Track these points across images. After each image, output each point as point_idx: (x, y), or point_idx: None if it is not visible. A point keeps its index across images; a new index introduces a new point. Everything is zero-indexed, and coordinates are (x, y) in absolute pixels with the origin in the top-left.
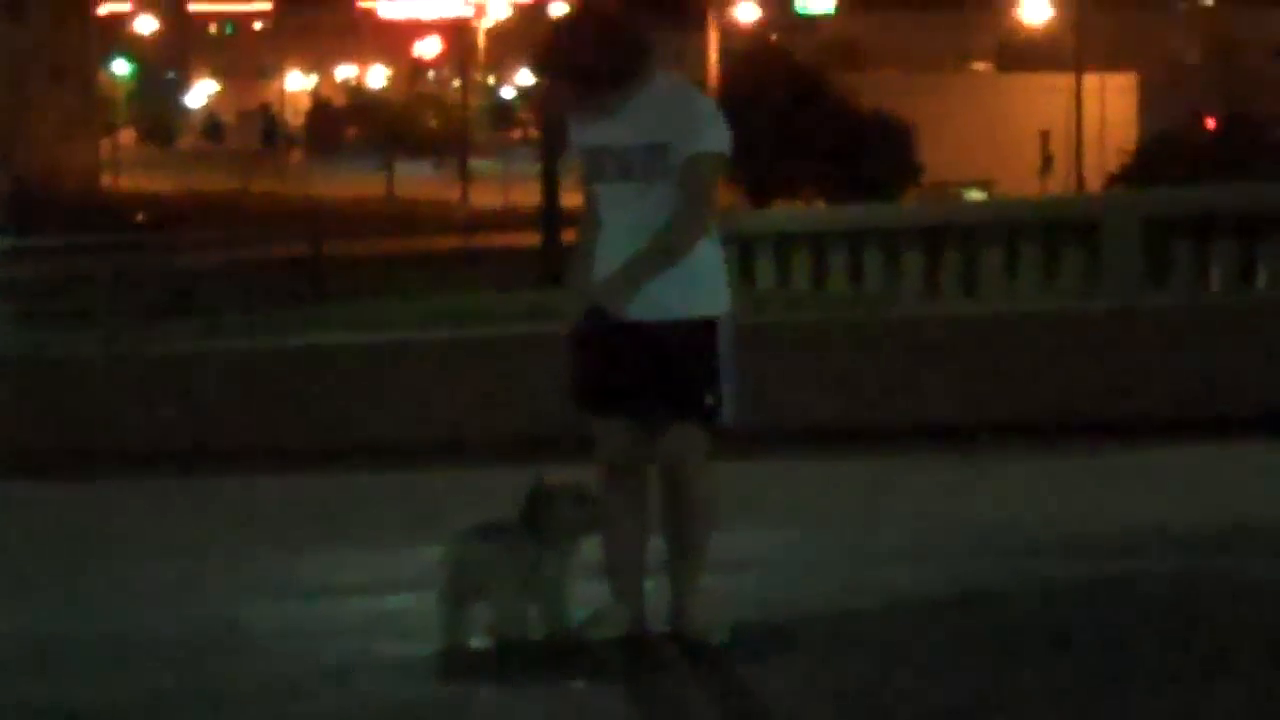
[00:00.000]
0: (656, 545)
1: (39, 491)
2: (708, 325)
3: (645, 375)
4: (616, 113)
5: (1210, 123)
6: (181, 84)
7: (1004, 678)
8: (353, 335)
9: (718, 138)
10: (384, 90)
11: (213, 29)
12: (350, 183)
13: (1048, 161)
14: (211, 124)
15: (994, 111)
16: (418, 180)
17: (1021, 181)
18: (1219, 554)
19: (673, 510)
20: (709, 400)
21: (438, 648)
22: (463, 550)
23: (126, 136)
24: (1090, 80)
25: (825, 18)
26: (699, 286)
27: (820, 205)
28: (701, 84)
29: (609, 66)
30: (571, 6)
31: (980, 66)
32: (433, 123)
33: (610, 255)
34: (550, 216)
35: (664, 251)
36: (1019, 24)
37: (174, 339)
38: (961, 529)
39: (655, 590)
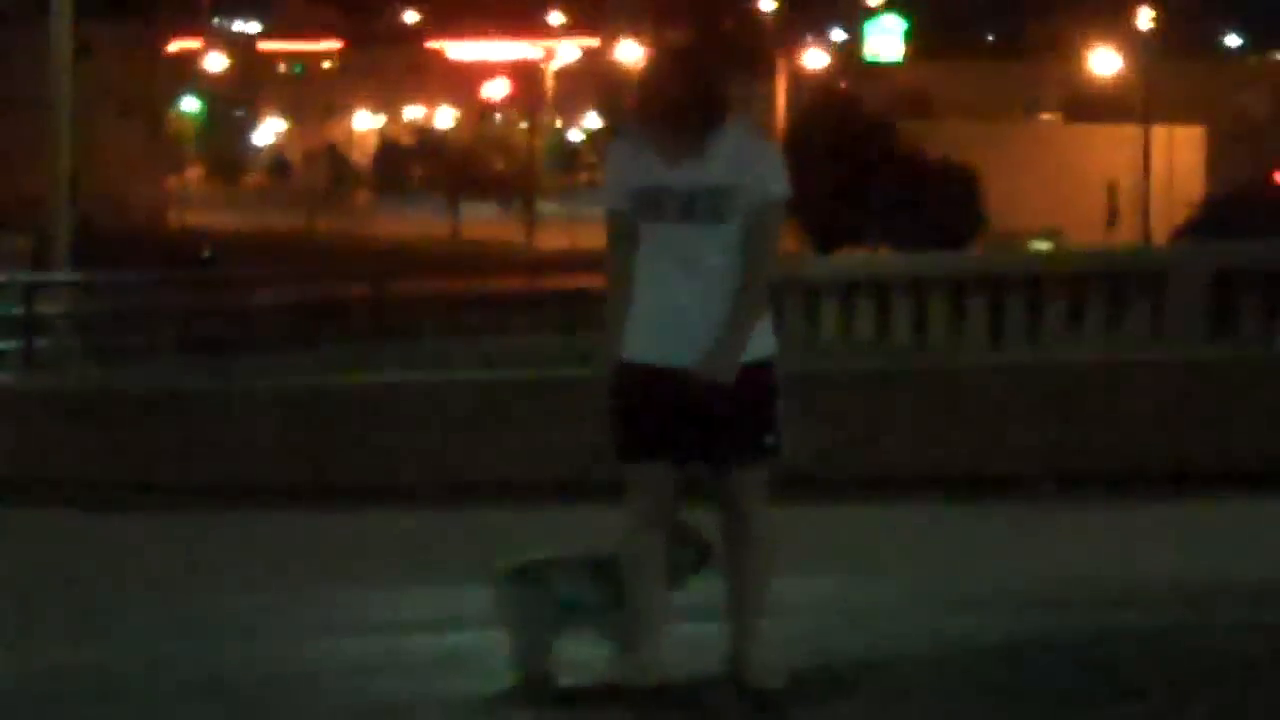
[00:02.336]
0: (712, 590)
1: (101, 525)
2: (764, 367)
3: (708, 420)
4: (699, 155)
5: (1278, 177)
6: (250, 122)
7: None
8: (414, 374)
9: (785, 185)
10: (451, 131)
11: (282, 67)
12: (416, 223)
13: (1114, 213)
14: (279, 162)
15: (1061, 162)
16: (483, 221)
17: (1088, 232)
18: (1273, 609)
19: (735, 554)
20: (769, 441)
21: (513, 682)
22: (545, 586)
23: (194, 173)
24: (1158, 132)
25: (894, 66)
26: (755, 329)
27: (886, 253)
28: (770, 130)
29: (701, 107)
30: (659, 50)
31: (1048, 117)
32: (499, 164)
33: (664, 297)
34: None
35: (755, 307)
36: (1088, 75)
37: (238, 375)
38: (1021, 579)
39: (715, 634)
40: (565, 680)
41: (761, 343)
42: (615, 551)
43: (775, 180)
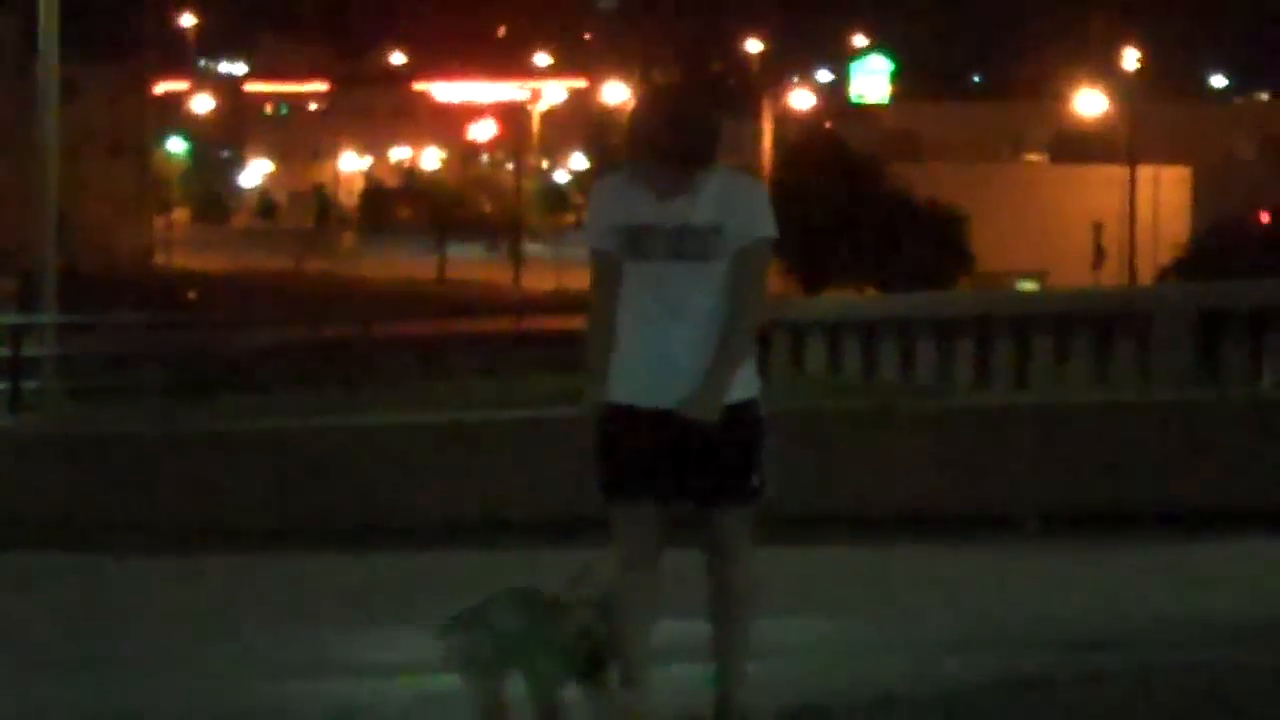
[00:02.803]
0: (696, 631)
1: (80, 566)
2: (749, 407)
3: (692, 460)
4: (688, 192)
5: (1264, 217)
6: (236, 163)
7: None
8: (400, 417)
9: (773, 226)
10: (438, 172)
11: (268, 109)
12: (402, 264)
13: (1100, 253)
14: (265, 203)
15: (1047, 202)
16: (470, 262)
17: (1074, 272)
18: (1260, 648)
19: (719, 595)
20: (754, 482)
21: None
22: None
23: (180, 215)
24: (1144, 173)
25: (880, 106)
26: (739, 369)
27: (872, 294)
28: (756, 171)
29: (691, 146)
30: (650, 91)
31: (1034, 157)
32: (486, 205)
33: (650, 339)
34: None
35: (741, 347)
36: (1074, 116)
37: (221, 417)
38: (1007, 619)
39: (699, 676)
40: None
41: (746, 383)
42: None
43: (763, 221)
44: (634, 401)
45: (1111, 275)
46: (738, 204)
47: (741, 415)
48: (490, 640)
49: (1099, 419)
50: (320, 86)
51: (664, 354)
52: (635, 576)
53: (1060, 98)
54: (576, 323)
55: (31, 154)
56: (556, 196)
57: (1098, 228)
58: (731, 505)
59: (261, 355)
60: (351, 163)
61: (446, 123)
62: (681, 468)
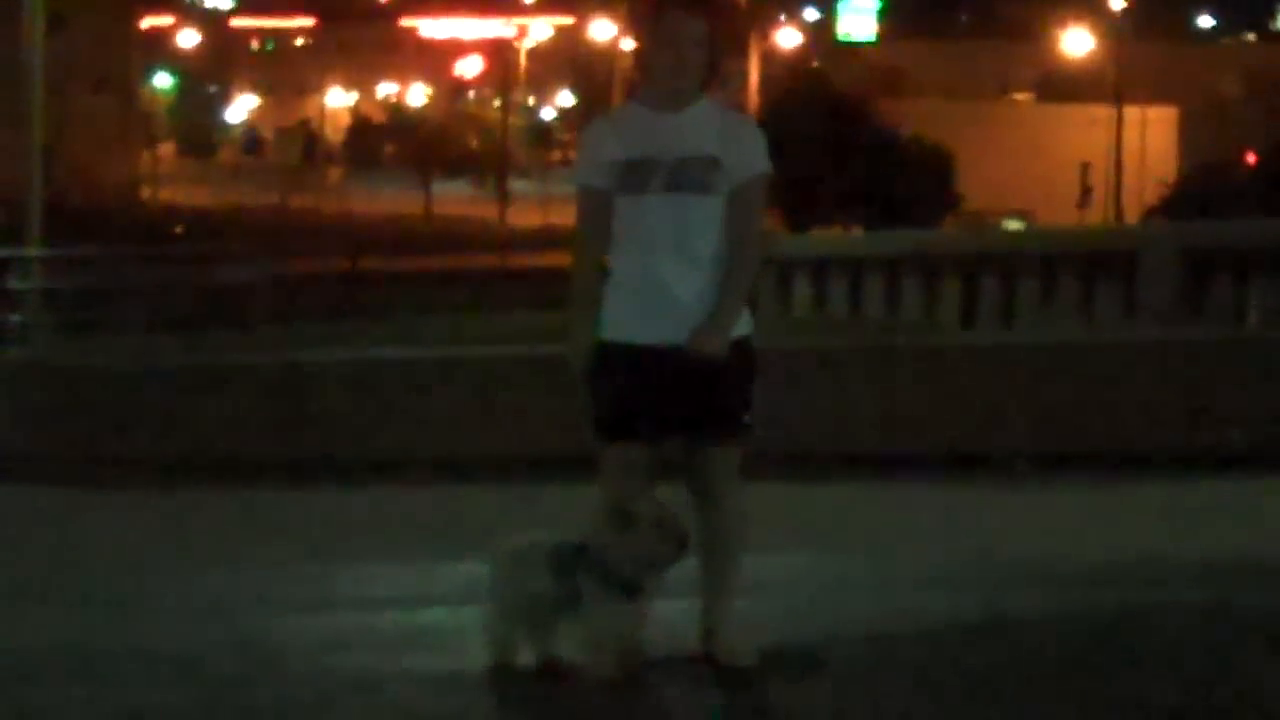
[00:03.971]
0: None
1: (69, 501)
2: (742, 345)
3: (686, 397)
4: (688, 106)
5: (1251, 157)
6: (222, 98)
7: (1032, 707)
8: (387, 351)
9: (767, 160)
10: (424, 109)
11: (254, 44)
12: (389, 200)
13: (1087, 193)
14: (251, 139)
15: (1034, 142)
16: (456, 199)
17: (1060, 212)
18: (1247, 588)
19: (707, 532)
20: (746, 419)
21: (488, 663)
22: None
23: (166, 150)
24: (1131, 113)
25: (867, 45)
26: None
27: (858, 232)
28: (743, 109)
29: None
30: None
31: (1021, 97)
32: (472, 142)
33: (648, 274)
34: None
35: (745, 282)
36: (1061, 55)
37: (207, 351)
38: (993, 557)
39: (686, 612)
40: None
41: (742, 321)
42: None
43: (758, 156)
44: (631, 338)
45: (1098, 215)
46: (736, 139)
47: (734, 352)
48: (540, 584)
49: (1085, 358)
50: (307, 22)
51: (662, 289)
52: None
53: (1047, 37)
54: (562, 259)
55: (17, 88)
56: (543, 133)
57: (1084, 167)
58: (722, 442)
59: (247, 290)
60: (338, 98)
61: (433, 59)
62: (676, 405)
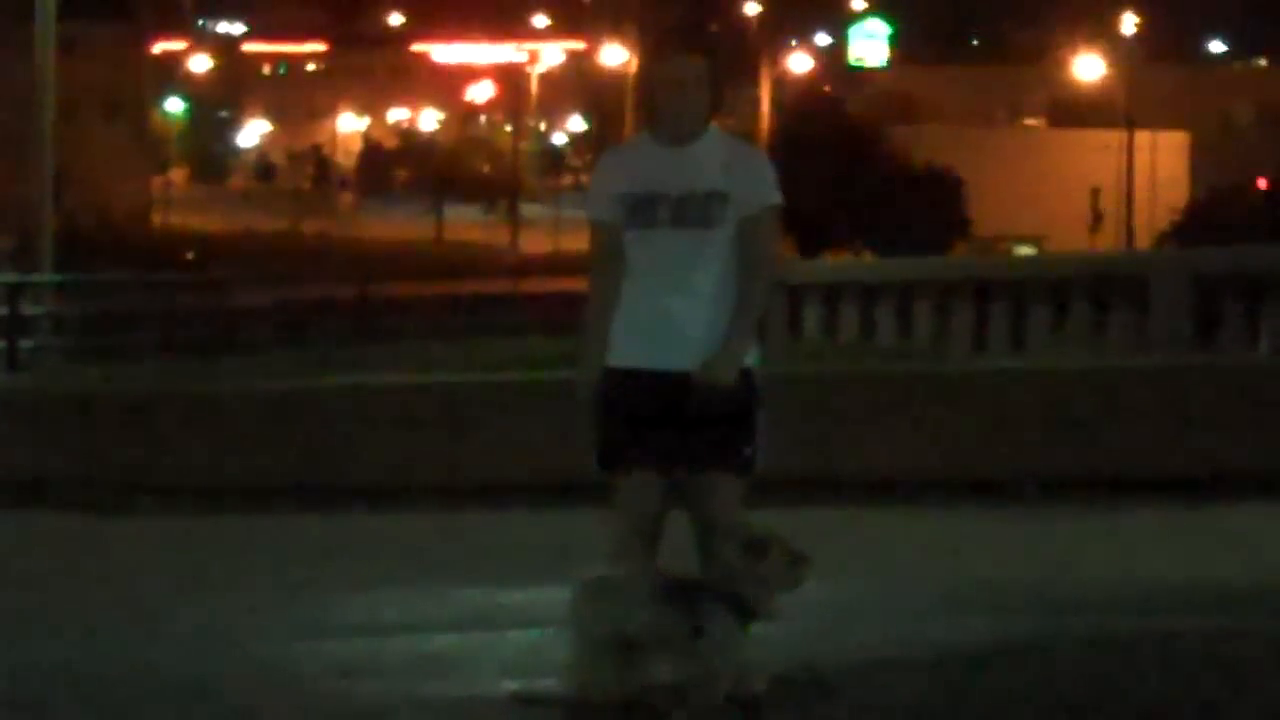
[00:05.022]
0: None
1: (80, 527)
2: (745, 375)
3: (689, 426)
4: (697, 140)
5: (1262, 183)
6: (234, 123)
7: None
8: (396, 377)
9: (777, 191)
10: (435, 133)
11: (266, 69)
12: (400, 225)
13: (1098, 218)
14: (263, 164)
15: (1045, 167)
16: (467, 224)
17: (1071, 237)
18: (1260, 614)
19: (707, 563)
20: (747, 451)
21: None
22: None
23: (178, 175)
24: (1142, 138)
25: (878, 70)
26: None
27: (869, 257)
28: (754, 134)
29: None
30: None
31: (1032, 122)
32: (483, 167)
33: (653, 304)
34: None
35: (755, 312)
36: (1072, 80)
37: (218, 376)
38: (1003, 583)
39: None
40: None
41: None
42: (704, 574)
43: (767, 188)
44: (636, 364)
45: (1108, 240)
46: (744, 171)
47: (739, 384)
48: (625, 617)
49: (1096, 383)
50: (318, 47)
51: (666, 320)
52: (634, 545)
53: (1059, 62)
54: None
55: (28, 114)
56: (554, 158)
57: (1095, 192)
58: (723, 473)
59: (258, 315)
60: (349, 123)
61: (444, 84)
62: (678, 431)
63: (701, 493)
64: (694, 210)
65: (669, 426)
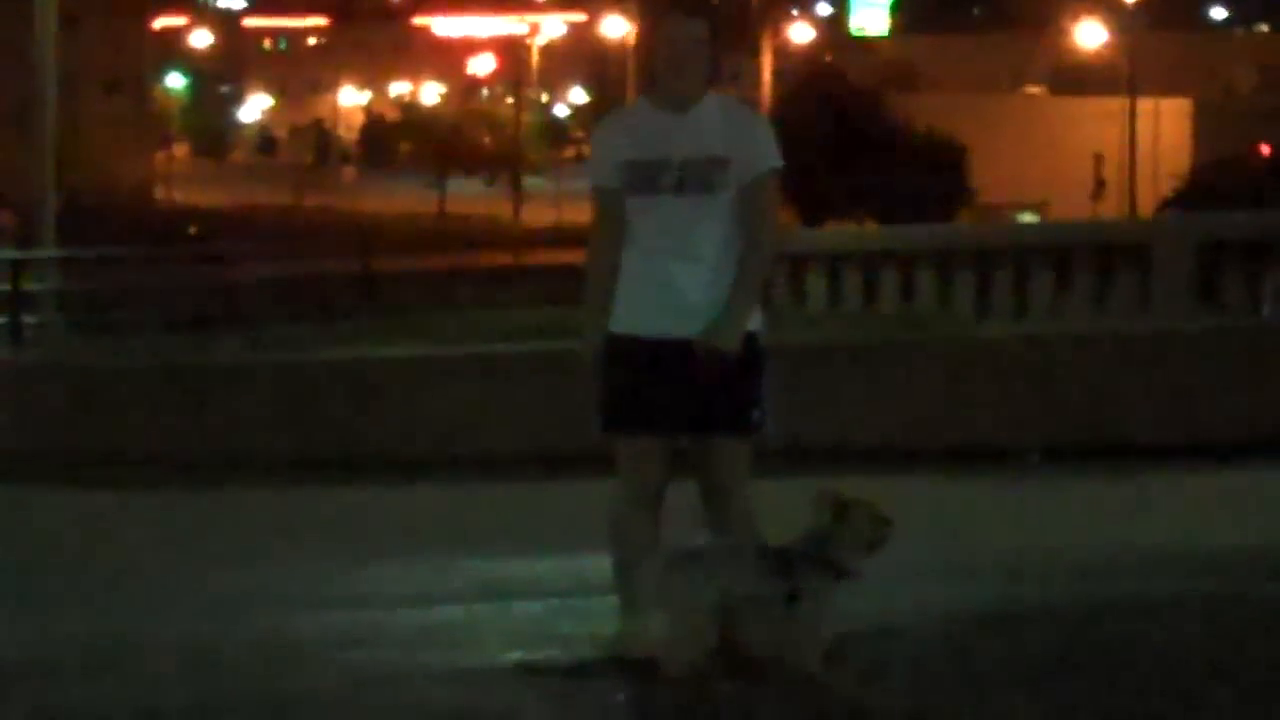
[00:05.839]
0: None
1: (85, 501)
2: (750, 340)
3: (694, 392)
4: (695, 106)
5: (1265, 149)
6: (235, 98)
7: (1042, 697)
8: (400, 349)
9: (777, 155)
10: (437, 107)
11: (267, 44)
12: (402, 198)
13: (1100, 185)
14: (265, 138)
15: (1047, 135)
16: (470, 197)
17: (1074, 205)
18: (1263, 578)
19: (714, 528)
20: (755, 414)
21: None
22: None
23: (180, 150)
24: (1144, 105)
25: (880, 39)
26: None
27: (872, 226)
28: (755, 104)
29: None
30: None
31: (1034, 89)
32: (485, 139)
33: (657, 271)
34: None
35: (757, 278)
36: (1074, 48)
37: (221, 351)
38: (1004, 549)
39: None
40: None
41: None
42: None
43: (768, 152)
44: (638, 331)
45: (1111, 207)
46: (744, 136)
47: (745, 348)
48: (711, 586)
49: (1099, 350)
50: (319, 21)
51: (670, 286)
52: (638, 510)
53: (1060, 30)
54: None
55: (29, 89)
56: (556, 131)
57: (1098, 160)
58: (731, 438)
59: (262, 289)
60: (351, 97)
61: (446, 57)
62: (684, 399)
63: (710, 458)
64: (696, 175)
65: (672, 392)
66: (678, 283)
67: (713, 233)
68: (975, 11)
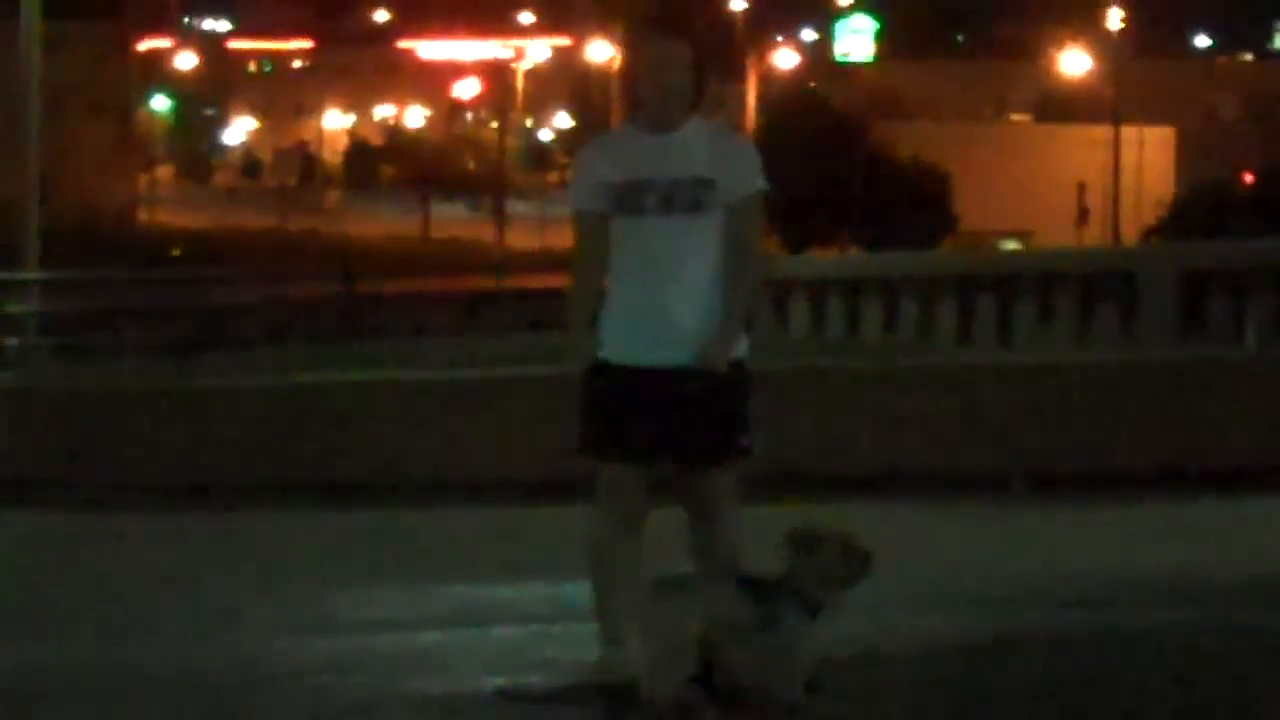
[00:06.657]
0: None
1: (66, 525)
2: (737, 367)
3: (685, 419)
4: (679, 128)
5: (1248, 177)
6: (220, 121)
7: None
8: (381, 373)
9: (762, 177)
10: (422, 130)
11: (252, 66)
12: (387, 222)
13: (1084, 213)
14: (249, 161)
15: (1031, 162)
16: (454, 221)
17: (1058, 232)
18: (1249, 606)
19: (703, 555)
20: (743, 442)
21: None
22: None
23: (164, 172)
24: (1128, 133)
25: (865, 65)
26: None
27: (855, 253)
28: (740, 129)
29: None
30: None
31: (1018, 117)
32: (470, 164)
33: (645, 296)
34: None
35: (745, 299)
36: (1058, 75)
37: (205, 374)
38: (990, 577)
39: None
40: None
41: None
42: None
43: (753, 174)
44: (631, 360)
45: (1095, 235)
46: (729, 159)
47: (730, 374)
48: (694, 613)
49: (1083, 379)
50: (304, 44)
51: (661, 312)
52: (620, 536)
53: (1045, 58)
54: (560, 281)
55: (13, 111)
56: (541, 155)
57: (1081, 187)
58: (720, 464)
59: (245, 312)
60: (335, 120)
61: (430, 81)
62: (674, 425)
63: (697, 485)
64: (681, 197)
65: (661, 421)
66: (670, 308)
67: (700, 255)
68: (960, 39)
